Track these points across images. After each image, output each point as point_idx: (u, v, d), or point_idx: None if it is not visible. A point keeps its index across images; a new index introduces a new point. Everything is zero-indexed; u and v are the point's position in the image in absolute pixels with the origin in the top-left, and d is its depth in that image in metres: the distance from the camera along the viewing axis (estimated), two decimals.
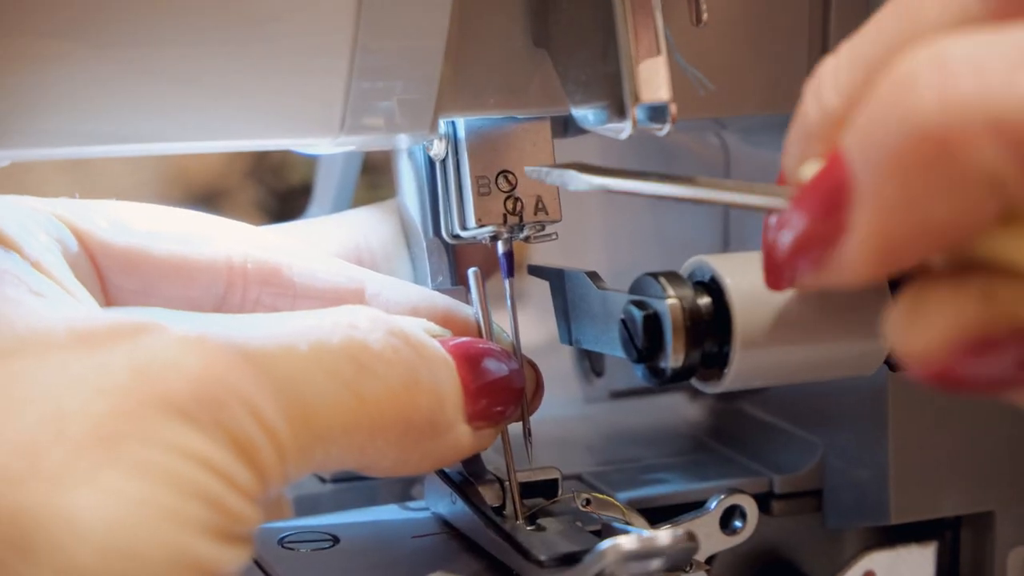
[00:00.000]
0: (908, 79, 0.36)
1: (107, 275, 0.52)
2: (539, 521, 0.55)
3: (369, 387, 0.47)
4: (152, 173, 1.59)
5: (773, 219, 0.42)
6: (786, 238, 0.41)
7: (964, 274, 0.38)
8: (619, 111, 0.51)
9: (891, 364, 0.54)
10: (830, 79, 0.41)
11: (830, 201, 0.39)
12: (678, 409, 0.74)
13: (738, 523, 0.57)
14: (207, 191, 1.57)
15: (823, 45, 0.59)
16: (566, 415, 0.75)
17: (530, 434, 0.56)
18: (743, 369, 0.51)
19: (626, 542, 0.49)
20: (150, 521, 0.40)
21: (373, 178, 0.98)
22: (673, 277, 0.52)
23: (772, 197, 0.43)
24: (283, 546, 0.55)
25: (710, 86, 0.53)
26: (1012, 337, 0.37)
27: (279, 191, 1.63)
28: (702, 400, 0.73)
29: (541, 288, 0.63)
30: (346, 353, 0.47)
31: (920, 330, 0.38)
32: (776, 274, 0.42)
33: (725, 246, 0.70)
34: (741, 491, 0.57)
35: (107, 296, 0.52)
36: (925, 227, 0.36)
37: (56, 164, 1.37)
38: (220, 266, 0.54)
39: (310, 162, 1.53)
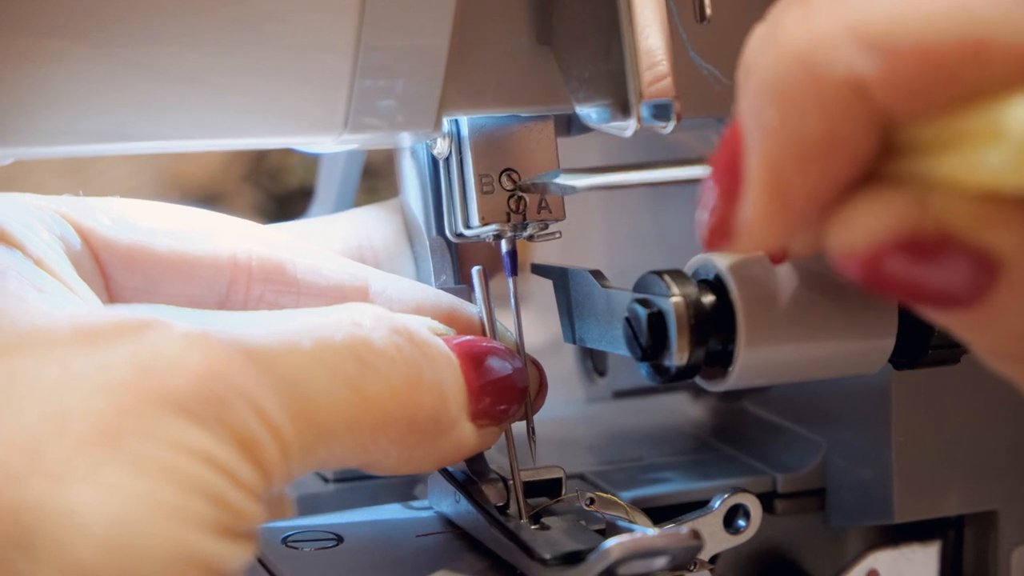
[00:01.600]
0: (776, 17, 0.38)
1: (110, 272, 0.52)
2: (543, 520, 0.55)
3: (372, 385, 0.47)
4: (149, 176, 1.59)
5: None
6: (704, 202, 0.42)
7: (904, 182, 0.38)
8: (623, 109, 0.51)
9: (895, 363, 0.54)
10: None
11: (728, 159, 0.40)
12: (681, 408, 0.74)
13: (742, 522, 0.57)
14: (204, 194, 1.57)
15: None
16: (569, 414, 0.75)
17: (534, 433, 0.56)
18: (747, 367, 0.51)
19: (631, 540, 0.49)
20: (153, 517, 0.40)
21: (372, 182, 0.98)
22: (677, 275, 0.52)
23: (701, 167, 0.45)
24: (287, 545, 0.55)
25: (725, 81, 0.53)
26: (938, 244, 0.37)
27: (277, 194, 1.63)
28: (705, 399, 0.73)
29: (543, 287, 0.63)
30: (349, 351, 0.47)
31: (853, 226, 0.38)
32: (706, 240, 0.43)
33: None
34: (745, 490, 0.57)
35: (110, 293, 0.52)
36: (804, 151, 0.37)
37: (54, 167, 1.37)
38: (223, 263, 0.54)
39: (308, 165, 1.53)
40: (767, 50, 0.38)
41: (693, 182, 0.46)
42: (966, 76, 0.36)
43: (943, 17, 0.35)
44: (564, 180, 0.52)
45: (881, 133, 0.37)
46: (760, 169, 0.39)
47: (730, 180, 0.40)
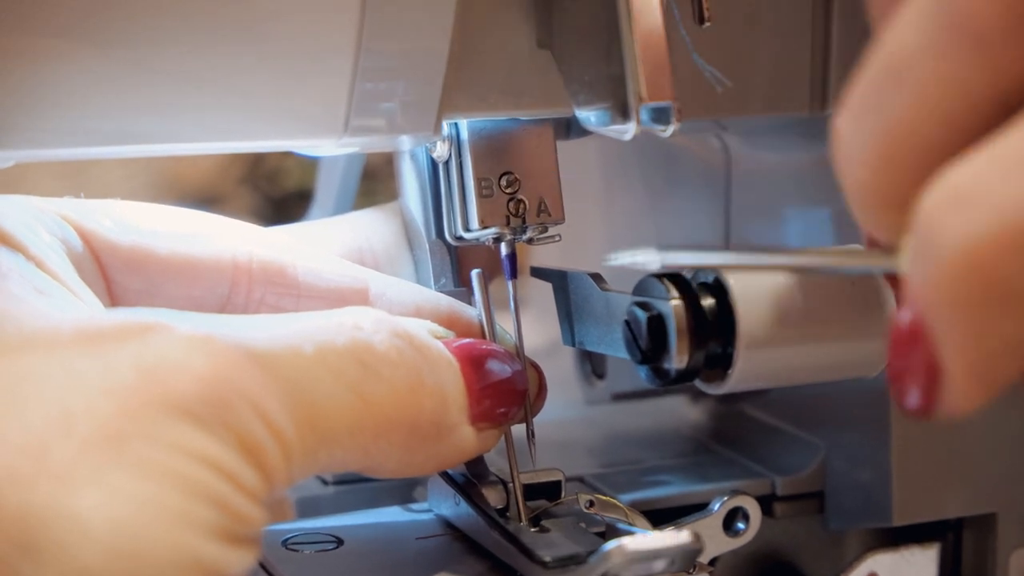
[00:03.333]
0: (930, 222, 0.36)
1: (112, 275, 0.52)
2: (542, 523, 0.55)
3: (374, 389, 0.47)
4: (146, 179, 1.59)
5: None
6: (900, 386, 0.41)
7: None
8: (623, 112, 0.51)
9: None
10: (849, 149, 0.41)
11: (919, 354, 0.38)
12: (680, 411, 0.74)
13: (741, 525, 0.57)
14: (202, 197, 1.57)
15: (825, 48, 0.59)
16: (567, 417, 0.75)
17: (533, 435, 0.56)
18: (747, 370, 0.51)
19: (631, 543, 0.49)
20: (156, 522, 0.40)
21: (370, 185, 0.98)
22: (677, 278, 0.52)
23: (874, 261, 0.44)
24: (287, 548, 0.55)
25: (727, 82, 0.53)
26: None
27: (274, 197, 1.63)
28: (703, 402, 0.73)
29: (542, 290, 0.63)
30: (351, 354, 0.47)
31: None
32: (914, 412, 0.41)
33: (726, 246, 0.70)
34: (744, 493, 0.57)
35: (112, 296, 0.52)
36: (1009, 345, 0.36)
37: (50, 169, 1.37)
38: (225, 266, 0.54)
39: (305, 168, 1.53)
40: (932, 260, 0.36)
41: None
42: None
43: None
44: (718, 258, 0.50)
45: None
46: (962, 368, 0.37)
47: (930, 374, 0.38)
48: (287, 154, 0.59)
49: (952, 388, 0.38)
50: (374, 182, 1.08)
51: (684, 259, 0.47)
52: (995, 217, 0.35)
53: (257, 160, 1.64)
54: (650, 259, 0.47)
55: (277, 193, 1.64)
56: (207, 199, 1.58)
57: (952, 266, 0.36)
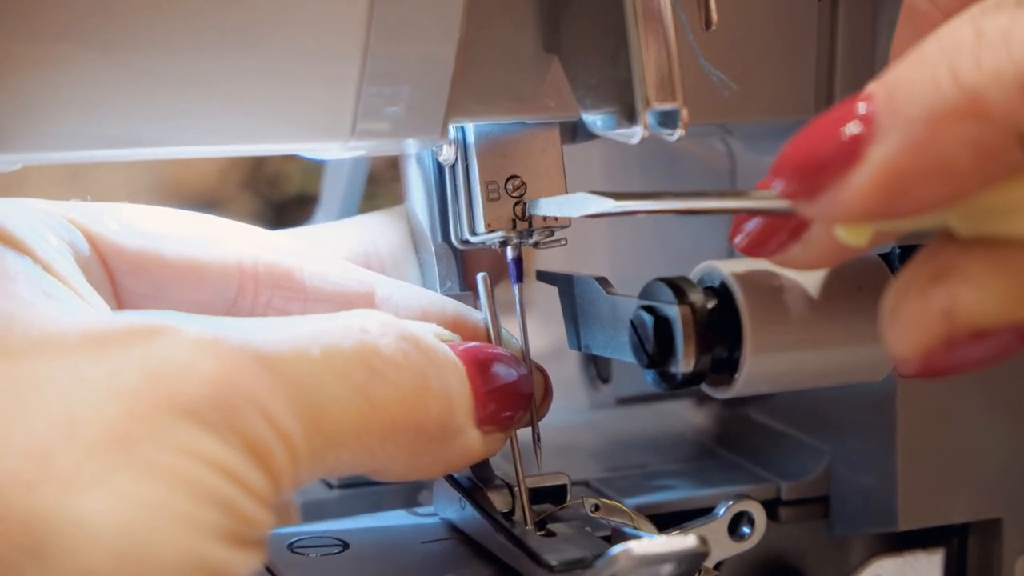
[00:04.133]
0: (953, 46, 0.40)
1: (118, 278, 0.52)
2: (548, 526, 0.55)
3: (380, 392, 0.47)
4: (147, 182, 1.59)
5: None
6: (798, 152, 0.43)
7: (929, 288, 0.42)
8: (629, 116, 0.51)
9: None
10: None
11: (851, 129, 0.42)
12: (684, 415, 0.74)
13: (746, 529, 0.57)
14: (203, 201, 1.57)
15: (831, 53, 0.59)
16: (572, 421, 0.75)
17: (539, 439, 0.56)
18: (753, 374, 0.51)
19: (637, 547, 0.49)
20: (163, 525, 0.40)
21: (372, 188, 0.98)
22: (683, 282, 0.52)
23: (770, 200, 0.45)
24: (292, 551, 0.55)
25: (733, 86, 0.54)
26: (972, 338, 0.42)
27: (275, 201, 1.63)
28: (708, 406, 0.73)
29: (547, 294, 0.63)
30: (358, 357, 0.47)
31: (897, 342, 0.44)
32: (791, 178, 0.44)
33: (730, 250, 0.70)
34: (749, 497, 0.57)
35: (118, 299, 0.52)
36: (941, 169, 0.40)
37: (51, 172, 1.37)
38: (232, 269, 0.54)
39: (307, 172, 1.53)
40: (941, 75, 0.40)
41: (717, 213, 0.48)
42: None
43: None
44: (606, 204, 0.51)
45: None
46: (885, 168, 0.41)
47: (846, 145, 0.42)
48: (288, 158, 0.59)
49: (855, 180, 0.41)
50: (376, 186, 1.08)
51: (612, 205, 0.49)
52: (1012, 62, 0.39)
53: (258, 164, 1.64)
54: (577, 203, 0.51)
55: (278, 197, 1.64)
56: (208, 203, 1.58)
57: (955, 89, 0.40)
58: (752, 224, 0.48)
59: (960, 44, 0.40)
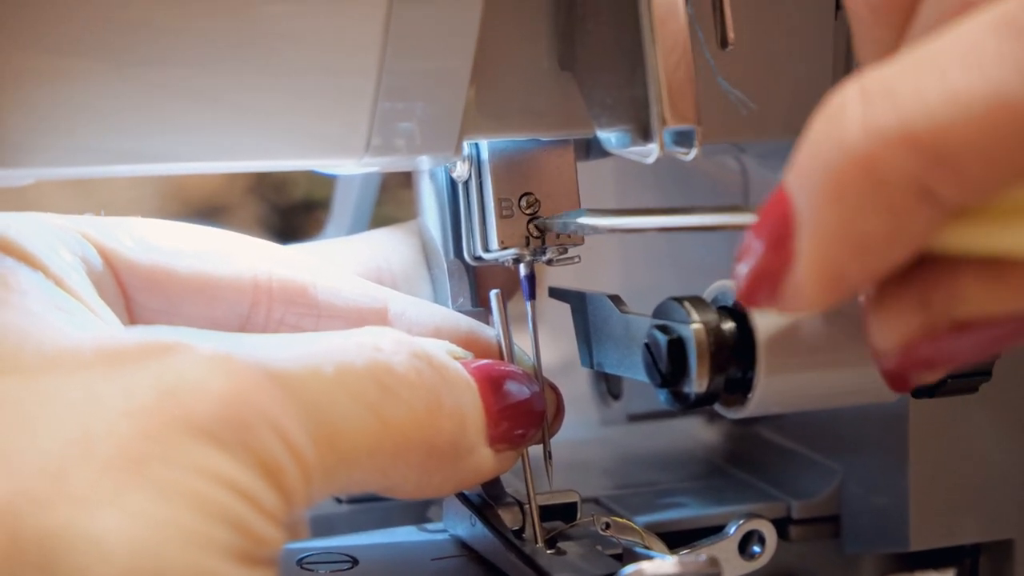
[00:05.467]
0: (836, 111, 0.39)
1: (132, 294, 0.52)
2: (559, 545, 0.55)
3: (393, 410, 0.47)
4: (152, 188, 1.58)
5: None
6: (743, 268, 0.43)
7: (901, 286, 0.41)
8: (644, 135, 0.51)
9: (914, 391, 0.53)
10: None
11: (776, 233, 0.41)
12: (695, 433, 0.74)
13: (757, 548, 0.57)
14: (208, 207, 1.57)
15: (846, 69, 0.59)
16: (583, 438, 0.75)
17: (551, 457, 0.56)
18: (767, 395, 0.51)
19: (649, 567, 0.49)
20: (175, 544, 0.40)
21: (379, 195, 0.98)
22: (697, 302, 0.52)
23: (739, 215, 0.46)
24: (302, 567, 0.55)
25: (752, 105, 0.53)
26: (952, 329, 0.41)
27: (281, 207, 1.63)
28: (719, 424, 0.73)
29: (557, 309, 0.63)
30: (370, 375, 0.47)
31: (881, 340, 0.43)
32: (744, 298, 0.44)
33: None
34: (760, 516, 0.57)
35: (131, 315, 0.52)
36: (865, 245, 0.39)
37: (58, 180, 1.37)
38: (245, 285, 0.54)
39: (313, 179, 1.52)
40: (828, 146, 0.39)
41: (712, 229, 0.49)
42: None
43: (991, 109, 0.36)
44: (586, 220, 0.52)
45: (944, 218, 0.39)
46: (814, 261, 0.40)
47: (779, 258, 0.41)
48: None
49: (800, 282, 0.41)
50: (383, 192, 1.08)
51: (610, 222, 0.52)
52: (894, 114, 0.37)
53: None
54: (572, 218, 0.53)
55: (284, 203, 1.64)
56: (213, 209, 1.57)
57: (843, 154, 0.38)
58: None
59: (845, 106, 0.39)
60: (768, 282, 0.42)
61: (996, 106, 0.36)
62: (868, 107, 0.38)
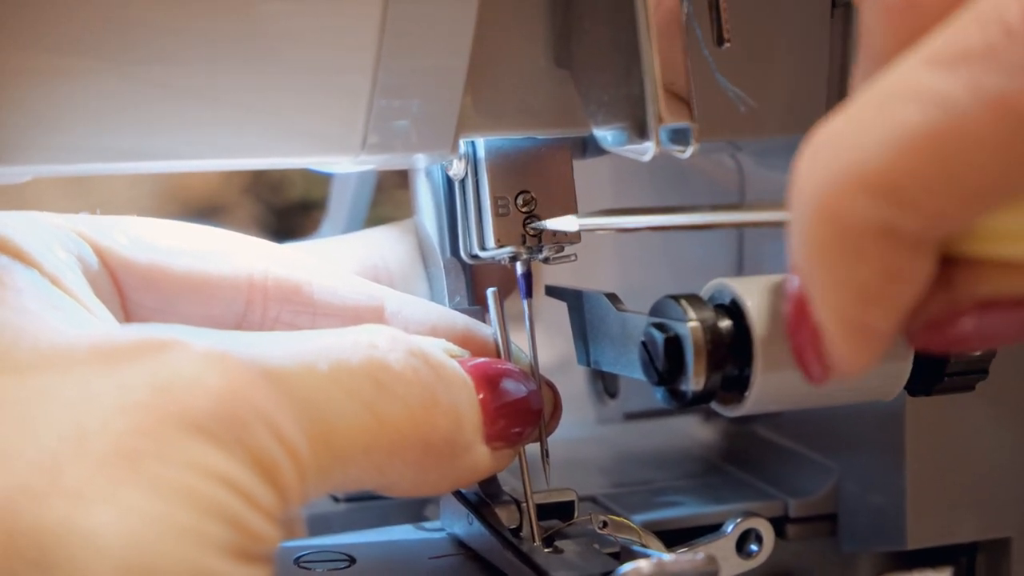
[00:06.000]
0: (797, 174, 0.40)
1: (127, 292, 0.52)
2: (556, 543, 0.55)
3: (389, 407, 0.47)
4: (149, 187, 1.58)
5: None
6: (796, 352, 0.44)
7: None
8: (640, 132, 0.51)
9: (910, 389, 0.53)
10: None
11: (797, 306, 0.43)
12: (692, 431, 0.74)
13: (754, 547, 0.57)
14: (205, 206, 1.57)
15: (843, 68, 0.59)
16: (580, 436, 0.75)
17: (548, 455, 0.56)
18: (764, 393, 0.50)
19: (647, 566, 0.49)
20: (169, 539, 0.40)
21: (376, 195, 0.98)
22: (694, 300, 0.51)
23: (775, 212, 0.46)
24: (299, 566, 0.55)
25: (751, 103, 0.53)
26: (978, 309, 0.41)
27: (277, 207, 1.63)
28: (716, 422, 0.73)
29: (553, 307, 0.63)
30: (366, 373, 0.47)
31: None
32: (808, 378, 0.45)
33: (739, 266, 0.70)
34: (757, 515, 0.57)
35: (127, 313, 0.52)
36: (868, 293, 0.39)
37: (55, 179, 1.37)
38: (241, 283, 0.54)
39: (309, 179, 1.52)
40: (798, 209, 0.39)
41: (707, 228, 0.49)
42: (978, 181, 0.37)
43: (929, 139, 0.37)
44: (584, 220, 0.53)
45: (935, 244, 0.39)
46: (832, 321, 0.40)
47: (810, 333, 0.43)
48: None
49: (833, 345, 0.41)
50: (380, 192, 1.08)
51: (597, 222, 0.52)
52: (841, 162, 0.38)
53: (261, 170, 1.64)
54: (568, 223, 0.54)
55: (280, 203, 1.64)
56: (210, 208, 1.57)
57: (809, 214, 0.39)
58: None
59: (802, 167, 0.39)
60: (813, 354, 0.43)
61: (934, 134, 0.37)
62: (819, 160, 0.39)
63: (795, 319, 0.44)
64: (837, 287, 0.39)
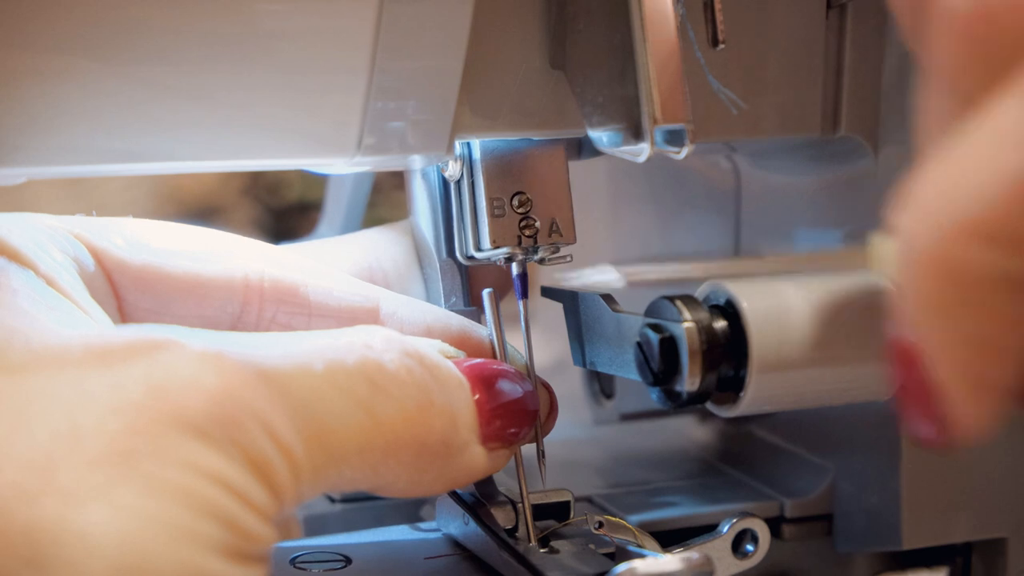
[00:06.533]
0: (903, 230, 0.38)
1: (123, 293, 0.52)
2: (552, 543, 0.55)
3: (383, 408, 0.47)
4: (147, 189, 1.58)
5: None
6: (907, 414, 0.42)
7: None
8: (636, 133, 0.51)
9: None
10: None
11: (912, 375, 0.40)
12: (688, 432, 0.74)
13: (750, 547, 0.57)
14: (202, 208, 1.57)
15: (838, 70, 0.59)
16: (575, 437, 0.75)
17: (544, 456, 0.56)
18: (759, 393, 0.51)
19: (642, 566, 0.49)
20: (163, 539, 0.40)
21: (373, 196, 0.98)
22: (689, 300, 0.52)
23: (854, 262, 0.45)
24: (295, 566, 0.55)
25: (743, 105, 0.53)
26: None
27: (275, 208, 1.63)
28: (711, 423, 0.73)
29: (549, 308, 0.63)
30: (361, 373, 0.47)
31: None
32: (923, 444, 0.43)
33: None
34: (753, 515, 0.57)
35: (123, 314, 0.52)
36: (993, 346, 0.37)
37: (52, 180, 1.37)
38: (236, 284, 0.54)
39: (307, 181, 1.52)
40: (906, 265, 0.38)
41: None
42: None
43: None
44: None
45: None
46: (955, 379, 0.39)
47: (923, 393, 0.40)
48: None
49: (955, 404, 0.39)
50: (377, 194, 1.08)
51: (643, 273, 0.52)
52: (958, 210, 0.36)
53: (258, 171, 1.64)
54: (610, 277, 0.52)
55: (278, 205, 1.64)
56: (208, 210, 1.57)
57: (922, 268, 0.37)
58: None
59: (906, 224, 0.38)
60: (928, 414, 0.40)
61: None
62: (926, 210, 0.37)
63: (906, 381, 0.40)
64: (959, 342, 0.38)
